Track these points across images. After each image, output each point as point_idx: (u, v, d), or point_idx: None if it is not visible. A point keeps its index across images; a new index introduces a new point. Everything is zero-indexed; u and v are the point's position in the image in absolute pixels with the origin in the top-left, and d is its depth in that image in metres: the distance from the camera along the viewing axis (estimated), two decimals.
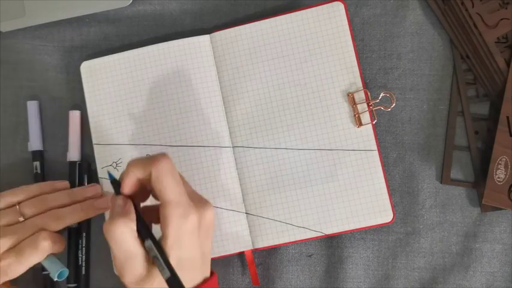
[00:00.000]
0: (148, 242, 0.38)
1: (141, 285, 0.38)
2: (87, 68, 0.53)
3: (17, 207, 0.48)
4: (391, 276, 0.52)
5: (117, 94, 0.53)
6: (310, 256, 0.52)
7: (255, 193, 0.51)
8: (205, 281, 0.42)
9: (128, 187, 0.40)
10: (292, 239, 0.50)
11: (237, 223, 0.51)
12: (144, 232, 0.39)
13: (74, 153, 0.54)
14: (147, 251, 0.39)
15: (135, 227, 0.38)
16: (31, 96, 0.55)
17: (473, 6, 0.51)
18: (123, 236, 0.37)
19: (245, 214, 0.51)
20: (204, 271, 0.42)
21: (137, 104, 0.52)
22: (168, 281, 0.37)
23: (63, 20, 0.55)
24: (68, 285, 0.52)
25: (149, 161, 0.39)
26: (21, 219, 0.47)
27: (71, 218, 0.48)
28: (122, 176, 0.40)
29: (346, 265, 0.52)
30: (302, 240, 0.50)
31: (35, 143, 0.54)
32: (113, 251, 0.38)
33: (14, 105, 0.55)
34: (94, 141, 0.53)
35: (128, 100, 0.53)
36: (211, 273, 0.43)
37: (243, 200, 0.51)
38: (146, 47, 0.53)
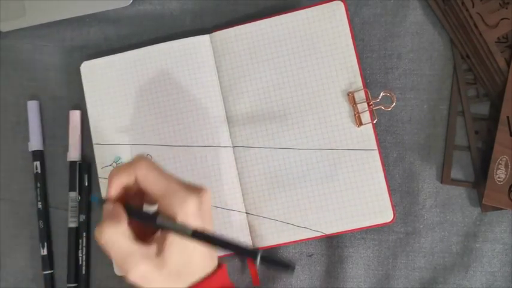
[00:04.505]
0: (159, 219, 0.39)
1: (147, 279, 0.39)
2: (87, 68, 0.53)
3: None
4: (391, 276, 0.52)
5: (117, 94, 0.53)
6: (310, 256, 0.52)
7: (255, 193, 0.51)
8: (215, 270, 0.42)
9: (113, 191, 0.40)
10: (293, 239, 0.50)
11: (237, 223, 0.51)
12: (145, 217, 0.40)
13: (74, 153, 0.54)
14: (145, 243, 0.39)
15: (124, 227, 0.39)
16: (31, 96, 0.55)
17: (473, 6, 0.51)
18: (114, 238, 0.38)
19: (245, 214, 0.51)
20: (213, 259, 0.43)
21: (137, 104, 0.52)
22: (193, 235, 0.38)
23: (63, 20, 0.55)
24: (68, 285, 0.52)
25: (130, 165, 0.40)
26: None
27: None
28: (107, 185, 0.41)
29: (346, 265, 0.52)
30: (302, 240, 0.50)
31: (35, 143, 0.54)
32: (110, 253, 0.39)
33: (14, 105, 0.55)
34: (94, 141, 0.53)
35: (128, 100, 0.52)
36: (220, 265, 0.44)
37: (243, 200, 0.51)
38: (146, 47, 0.53)
